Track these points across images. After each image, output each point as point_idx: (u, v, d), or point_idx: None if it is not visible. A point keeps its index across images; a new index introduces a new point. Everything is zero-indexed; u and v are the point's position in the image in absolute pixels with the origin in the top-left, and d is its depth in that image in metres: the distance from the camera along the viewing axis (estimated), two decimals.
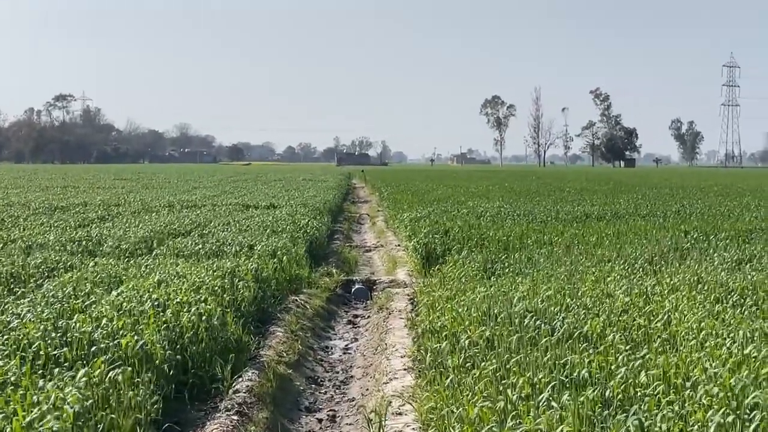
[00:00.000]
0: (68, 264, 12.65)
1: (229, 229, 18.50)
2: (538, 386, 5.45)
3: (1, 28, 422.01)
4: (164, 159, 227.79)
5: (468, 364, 6.66)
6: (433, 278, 12.74)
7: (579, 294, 9.47)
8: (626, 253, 13.03)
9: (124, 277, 11.10)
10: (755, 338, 6.89)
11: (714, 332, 7.18)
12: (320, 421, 8.05)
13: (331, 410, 8.40)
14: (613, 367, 6.02)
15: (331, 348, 11.17)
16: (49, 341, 7.02)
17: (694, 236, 16.06)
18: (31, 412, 4.94)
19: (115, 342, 7.13)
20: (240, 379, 8.00)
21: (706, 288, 9.66)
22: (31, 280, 10.86)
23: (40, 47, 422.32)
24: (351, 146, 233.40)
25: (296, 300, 12.65)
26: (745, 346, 6.55)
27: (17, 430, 4.53)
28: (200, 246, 15.15)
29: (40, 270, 12.04)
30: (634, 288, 9.80)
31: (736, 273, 10.86)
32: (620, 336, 7.20)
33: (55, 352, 6.84)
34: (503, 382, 5.75)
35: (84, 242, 15.81)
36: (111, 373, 6.20)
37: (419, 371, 7.83)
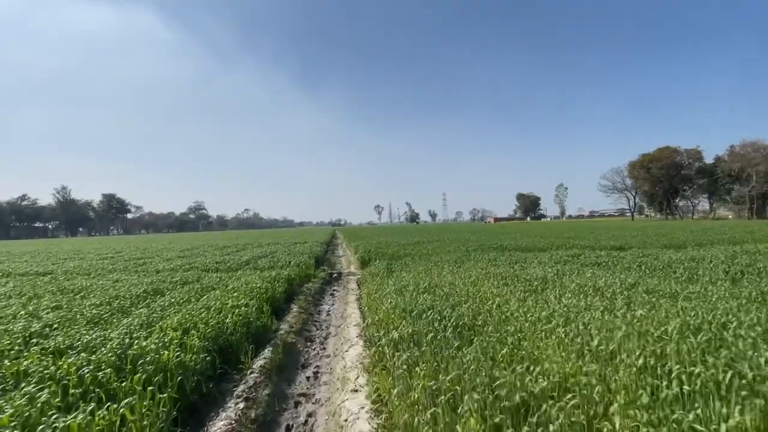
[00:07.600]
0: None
1: (284, 253, 14.26)
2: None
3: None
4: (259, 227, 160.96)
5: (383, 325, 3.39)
6: (366, 271, 9.26)
7: (434, 277, 6.37)
8: (446, 258, 9.85)
9: (228, 280, 7.05)
10: (516, 295, 4.08)
11: (494, 292, 4.52)
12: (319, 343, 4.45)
13: (325, 337, 4.77)
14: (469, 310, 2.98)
15: (322, 310, 7.26)
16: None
17: (468, 251, 12.63)
18: None
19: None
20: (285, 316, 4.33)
21: (481, 272, 6.79)
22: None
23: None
24: (335, 220, 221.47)
25: (307, 285, 8.82)
26: (521, 300, 3.68)
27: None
28: (267, 263, 10.73)
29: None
30: (455, 273, 6.81)
31: (490, 267, 7.91)
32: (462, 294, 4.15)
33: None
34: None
35: (224, 263, 11.14)
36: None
37: (364, 341, 4.28)
